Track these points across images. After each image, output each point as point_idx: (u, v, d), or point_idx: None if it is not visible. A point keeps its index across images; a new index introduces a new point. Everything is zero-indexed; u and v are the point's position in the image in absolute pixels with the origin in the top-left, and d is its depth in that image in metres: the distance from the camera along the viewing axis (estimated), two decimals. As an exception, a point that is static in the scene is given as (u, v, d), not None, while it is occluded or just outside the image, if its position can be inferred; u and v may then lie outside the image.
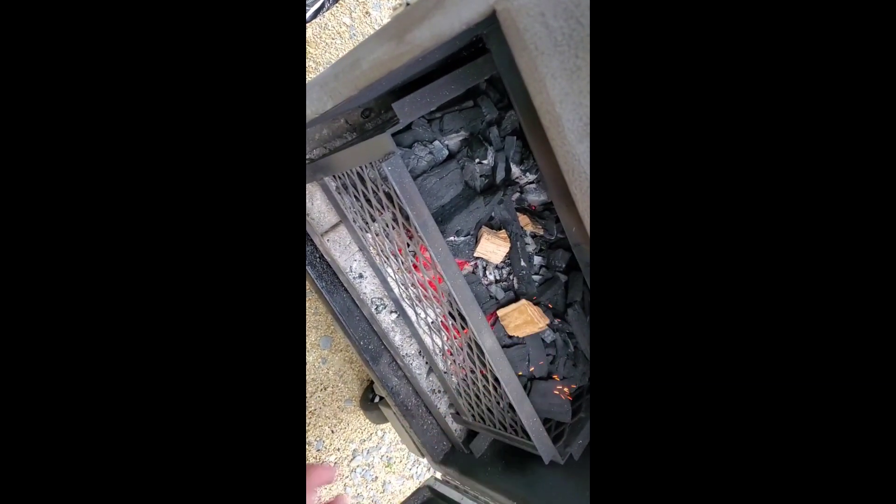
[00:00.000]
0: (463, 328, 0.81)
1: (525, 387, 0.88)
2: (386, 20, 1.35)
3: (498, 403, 0.87)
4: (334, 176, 0.78)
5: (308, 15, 0.87)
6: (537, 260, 0.95)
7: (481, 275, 0.90)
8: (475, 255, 0.87)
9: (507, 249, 0.87)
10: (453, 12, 0.35)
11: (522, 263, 0.88)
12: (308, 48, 1.22)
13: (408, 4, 0.43)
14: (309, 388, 1.18)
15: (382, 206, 0.72)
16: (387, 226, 0.76)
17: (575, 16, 0.29)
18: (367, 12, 1.32)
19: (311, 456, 1.17)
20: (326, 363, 1.20)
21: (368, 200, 0.74)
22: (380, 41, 0.42)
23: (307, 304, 1.17)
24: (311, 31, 1.19)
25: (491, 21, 0.36)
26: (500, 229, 0.90)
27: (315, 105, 0.54)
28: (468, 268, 0.88)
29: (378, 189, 0.70)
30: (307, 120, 0.58)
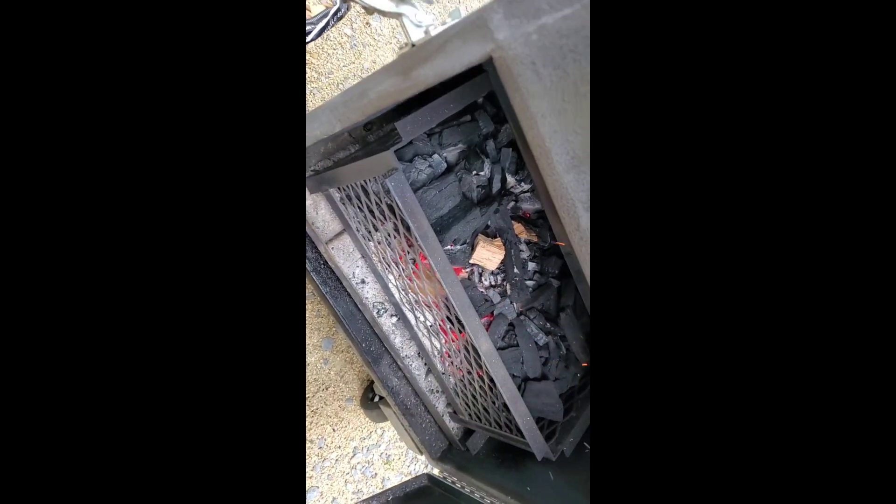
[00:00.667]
0: (460, 332, 0.85)
1: (519, 387, 0.92)
2: (386, 31, 1.38)
3: (493, 403, 0.91)
4: (339, 188, 0.82)
5: (313, 33, 0.91)
6: (531, 266, 0.99)
7: (477, 280, 0.94)
8: (471, 261, 0.91)
9: (501, 256, 0.91)
10: (454, 56, 0.39)
11: (516, 270, 0.92)
12: (310, 58, 1.26)
13: (413, 46, 0.47)
14: (311, 388, 1.22)
15: (385, 217, 0.76)
16: (388, 235, 0.80)
17: (562, 66, 0.34)
18: (367, 23, 1.35)
19: (313, 453, 1.21)
20: (328, 364, 1.24)
21: (371, 211, 0.78)
22: (387, 75, 0.46)
23: (310, 307, 1.21)
24: (313, 42, 1.22)
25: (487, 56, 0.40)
26: (495, 237, 0.94)
27: (325, 127, 0.58)
28: (464, 274, 0.93)
29: (381, 201, 0.74)
30: (316, 140, 0.62)
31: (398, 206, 0.64)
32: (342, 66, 1.30)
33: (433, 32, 0.40)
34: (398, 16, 0.41)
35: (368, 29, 1.35)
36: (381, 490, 1.38)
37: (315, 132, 0.60)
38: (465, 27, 0.37)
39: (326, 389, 1.24)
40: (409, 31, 0.42)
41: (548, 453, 0.86)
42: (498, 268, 0.95)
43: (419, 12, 0.42)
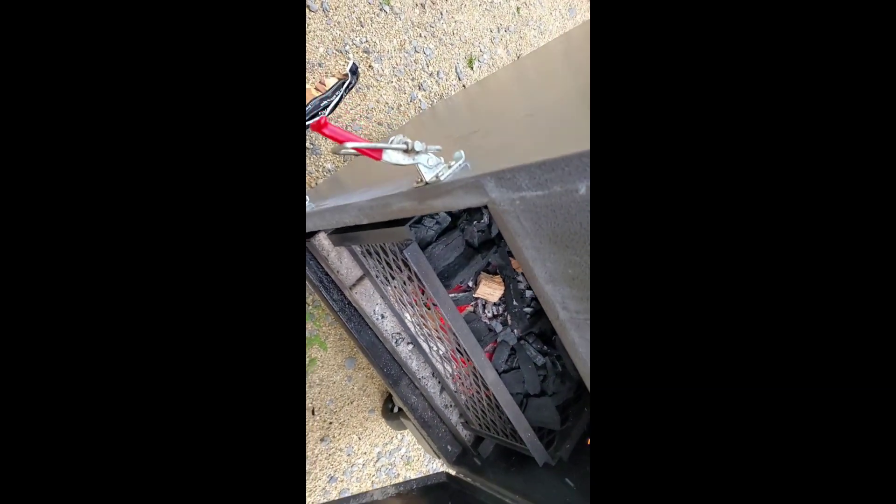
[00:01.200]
0: (468, 360, 0.99)
1: (521, 403, 1.07)
2: (387, 71, 1.50)
3: (500, 417, 1.05)
4: (360, 244, 0.95)
5: (330, 107, 1.02)
6: (528, 294, 1.13)
7: (481, 312, 1.08)
8: (475, 296, 1.05)
9: (502, 291, 1.05)
10: (459, 199, 0.52)
11: (515, 303, 1.06)
12: (320, 105, 1.37)
13: (427, 184, 0.60)
14: (338, 403, 1.37)
15: (400, 269, 0.89)
16: (403, 283, 0.94)
17: (537, 222, 0.47)
18: (370, 66, 1.47)
19: (343, 460, 1.37)
20: (351, 381, 1.39)
21: (389, 264, 0.92)
22: (407, 198, 0.59)
23: (334, 331, 1.35)
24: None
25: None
26: (495, 273, 1.07)
27: (352, 219, 0.71)
28: (469, 308, 1.06)
29: (397, 258, 0.87)
30: (344, 224, 0.75)
31: (413, 270, 0.77)
32: (349, 109, 1.42)
33: (442, 177, 0.53)
34: (415, 164, 0.54)
35: (371, 71, 1.47)
36: (404, 480, 1.56)
37: (345, 220, 0.74)
38: (467, 184, 0.50)
39: (351, 403, 1.39)
40: (423, 173, 0.54)
41: (548, 459, 1.01)
42: (500, 299, 1.08)
43: (431, 157, 0.54)
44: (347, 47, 1.40)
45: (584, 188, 0.41)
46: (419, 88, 1.58)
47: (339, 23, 1.39)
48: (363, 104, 1.44)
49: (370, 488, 1.42)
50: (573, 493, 1.00)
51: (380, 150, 0.50)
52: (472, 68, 1.74)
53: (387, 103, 1.49)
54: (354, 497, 1.15)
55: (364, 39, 1.44)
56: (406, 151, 0.51)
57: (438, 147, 0.54)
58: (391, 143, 0.51)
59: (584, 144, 0.39)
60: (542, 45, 1.29)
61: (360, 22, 1.43)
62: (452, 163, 0.54)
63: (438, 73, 1.63)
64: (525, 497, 1.04)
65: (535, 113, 0.60)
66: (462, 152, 0.54)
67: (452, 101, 1.30)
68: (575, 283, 0.49)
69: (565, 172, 0.41)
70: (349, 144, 0.47)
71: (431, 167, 0.54)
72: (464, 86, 1.70)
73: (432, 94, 1.62)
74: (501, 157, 0.51)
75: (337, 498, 1.36)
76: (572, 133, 0.45)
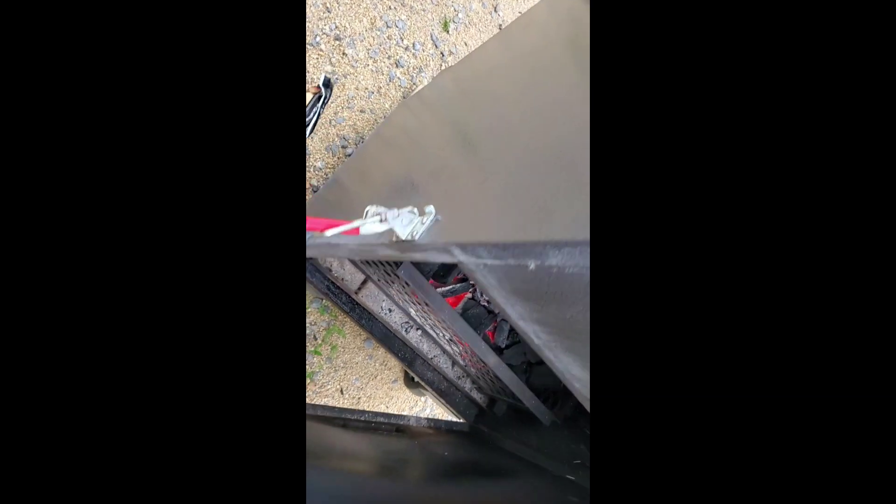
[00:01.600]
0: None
1: (526, 371, 1.18)
2: (362, 55, 1.48)
3: (507, 387, 1.17)
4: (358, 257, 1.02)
5: (312, 124, 1.04)
6: (523, 270, 1.20)
7: (480, 297, 1.16)
8: (472, 282, 1.12)
9: (497, 275, 1.12)
10: (434, 256, 0.58)
11: (511, 285, 1.13)
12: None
13: (403, 241, 0.65)
14: (364, 380, 1.51)
15: (398, 276, 0.97)
16: (402, 286, 1.01)
17: (500, 280, 0.53)
18: (343, 53, 1.45)
19: (375, 429, 1.53)
20: (373, 358, 1.52)
21: (387, 272, 0.99)
22: (390, 248, 0.65)
23: (350, 319, 1.46)
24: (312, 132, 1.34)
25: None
26: (490, 259, 1.14)
27: (345, 256, 0.78)
28: (468, 295, 1.14)
29: (395, 269, 0.95)
30: (338, 259, 0.81)
31: (409, 285, 0.85)
32: (329, 102, 1.43)
33: (416, 235, 0.59)
34: (390, 226, 0.59)
35: (345, 58, 1.45)
36: (434, 418, 1.73)
37: (338, 254, 0.80)
38: (438, 248, 0.56)
39: (375, 378, 1.53)
40: (399, 233, 0.60)
41: (554, 419, 1.13)
42: (496, 281, 1.16)
43: (403, 217, 0.59)
44: (318, 39, 1.38)
45: (532, 265, 0.47)
46: (397, 66, 1.56)
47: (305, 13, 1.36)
48: (343, 94, 1.44)
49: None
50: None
51: (357, 229, 0.56)
52: (447, 31, 1.69)
53: (366, 88, 1.49)
54: (395, 416, 1.31)
55: (334, 26, 1.41)
56: (381, 221, 0.57)
57: (411, 207, 0.60)
58: (366, 216, 0.56)
59: (532, 233, 0.45)
60: (526, 11, 1.26)
61: (327, 7, 1.40)
62: (425, 218, 0.60)
63: (414, 45, 1.59)
64: (537, 451, 1.18)
65: (495, 173, 0.64)
66: (433, 207, 0.60)
67: (437, 86, 1.29)
68: (542, 322, 0.56)
69: (516, 253, 0.46)
70: (329, 233, 0.53)
71: (406, 224, 0.60)
72: (441, 54, 1.66)
73: (411, 68, 1.59)
74: (467, 218, 0.56)
75: (383, 411, 1.52)
76: (534, 204, 0.50)
